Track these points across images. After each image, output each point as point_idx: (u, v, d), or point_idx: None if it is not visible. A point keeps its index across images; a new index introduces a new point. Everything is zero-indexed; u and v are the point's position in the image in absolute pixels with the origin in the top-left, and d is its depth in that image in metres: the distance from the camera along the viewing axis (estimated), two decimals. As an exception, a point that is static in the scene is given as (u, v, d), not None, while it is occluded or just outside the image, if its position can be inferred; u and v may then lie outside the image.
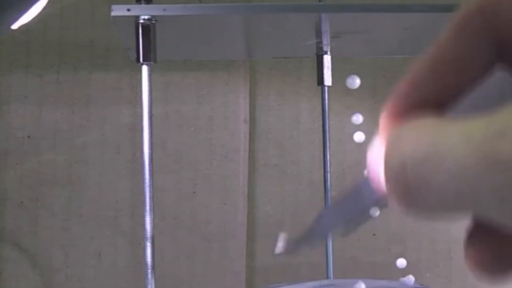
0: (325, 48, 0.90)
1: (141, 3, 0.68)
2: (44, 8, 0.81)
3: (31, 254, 1.09)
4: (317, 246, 0.88)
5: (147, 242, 0.68)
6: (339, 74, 0.93)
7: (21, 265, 1.10)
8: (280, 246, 0.26)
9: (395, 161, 0.19)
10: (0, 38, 0.99)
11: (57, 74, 1.11)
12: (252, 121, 1.14)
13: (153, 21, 0.69)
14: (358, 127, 0.67)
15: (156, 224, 0.69)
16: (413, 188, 0.18)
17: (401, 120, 0.20)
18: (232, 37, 0.83)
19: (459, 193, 0.17)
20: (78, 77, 1.11)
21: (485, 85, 0.20)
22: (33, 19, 0.81)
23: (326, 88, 0.95)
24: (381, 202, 0.21)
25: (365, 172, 0.21)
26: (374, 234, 1.13)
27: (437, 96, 0.20)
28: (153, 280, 0.68)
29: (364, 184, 0.22)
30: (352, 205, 0.23)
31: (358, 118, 0.60)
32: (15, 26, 0.81)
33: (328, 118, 0.95)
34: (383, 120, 0.21)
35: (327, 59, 0.93)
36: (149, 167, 0.69)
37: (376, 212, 0.22)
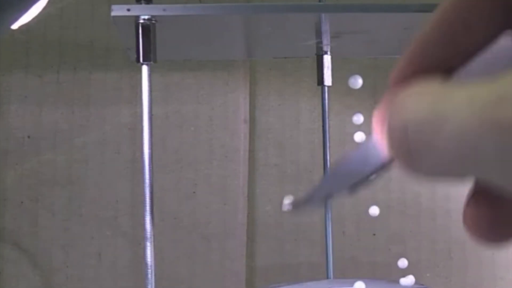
0: (325, 48, 0.90)
1: (141, 3, 0.68)
2: (44, 8, 0.81)
3: (31, 254, 1.09)
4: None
5: (147, 242, 0.68)
6: (339, 74, 0.93)
7: (21, 265, 1.10)
8: (286, 204, 0.26)
9: (397, 124, 0.19)
10: (0, 38, 0.99)
11: (57, 74, 1.11)
12: (252, 121, 1.14)
13: (153, 21, 0.69)
14: (358, 127, 0.67)
15: (156, 224, 0.69)
16: (415, 151, 0.19)
17: (407, 84, 0.20)
18: (232, 37, 0.83)
19: (460, 156, 0.17)
20: (78, 77, 1.11)
21: (491, 51, 0.19)
22: (33, 19, 0.81)
23: (326, 88, 0.95)
24: (385, 164, 0.21)
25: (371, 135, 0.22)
26: (374, 234, 1.13)
27: (444, 61, 0.20)
28: (153, 280, 0.68)
29: (369, 146, 0.22)
30: (357, 166, 0.23)
31: (358, 118, 0.60)
32: (15, 26, 0.81)
33: (328, 118, 0.95)
34: (389, 83, 0.21)
35: (327, 59, 0.93)
36: (149, 167, 0.69)
37: (380, 173, 0.22)
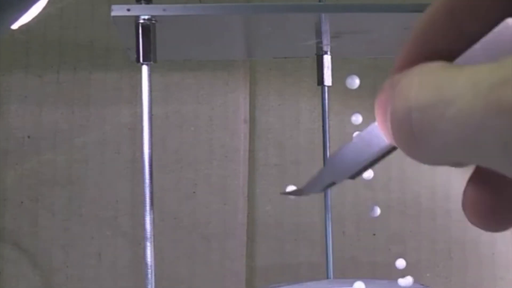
0: (325, 48, 0.90)
1: (141, 3, 0.68)
2: (44, 8, 0.81)
3: (31, 254, 1.09)
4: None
5: (147, 242, 0.68)
6: (339, 74, 0.93)
7: (21, 265, 1.10)
8: (288, 191, 0.26)
9: (401, 108, 0.19)
10: (0, 38, 0.99)
11: (57, 74, 1.11)
12: (252, 121, 1.14)
13: (153, 21, 0.69)
14: (358, 127, 0.67)
15: (156, 224, 0.69)
16: (419, 135, 0.18)
17: (410, 69, 0.20)
18: (232, 37, 0.83)
19: (463, 139, 0.17)
20: (78, 77, 1.11)
21: (493, 36, 0.19)
22: (33, 19, 0.81)
23: (326, 88, 0.95)
24: (386, 151, 0.21)
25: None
26: (374, 234, 1.13)
27: (446, 46, 0.20)
28: (153, 280, 0.68)
29: (370, 132, 0.22)
30: (358, 153, 0.23)
31: (357, 118, 0.60)
32: (15, 26, 0.81)
33: (328, 118, 0.95)
34: (393, 69, 0.21)
35: (327, 59, 0.93)
36: (149, 167, 0.69)
37: (381, 159, 0.22)
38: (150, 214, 0.68)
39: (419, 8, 0.68)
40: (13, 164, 1.09)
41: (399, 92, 0.19)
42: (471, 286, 1.14)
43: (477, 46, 0.20)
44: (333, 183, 0.24)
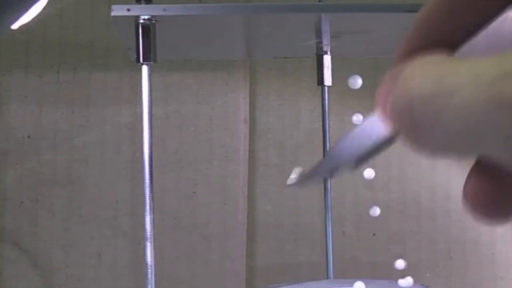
0: (325, 48, 0.90)
1: (141, 3, 0.68)
2: (44, 8, 0.81)
3: (31, 254, 1.09)
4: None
5: (147, 242, 0.68)
6: (339, 74, 0.93)
7: (21, 265, 1.10)
8: (292, 178, 0.26)
9: (403, 99, 0.19)
10: (0, 38, 0.99)
11: (57, 74, 1.11)
12: (252, 121, 1.14)
13: (153, 21, 0.69)
14: (358, 127, 0.67)
15: (156, 224, 0.69)
16: (419, 126, 0.18)
17: (411, 59, 0.20)
18: (232, 37, 0.83)
19: (466, 131, 0.17)
20: (78, 77, 1.11)
21: (495, 26, 0.19)
22: (33, 19, 0.81)
23: (326, 88, 0.95)
24: (388, 140, 0.21)
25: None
26: (374, 234, 1.13)
27: (448, 36, 0.20)
28: (153, 280, 0.68)
29: (372, 121, 0.22)
30: (360, 142, 0.23)
31: (359, 118, 0.60)
32: (15, 26, 0.81)
33: (328, 118, 0.95)
34: (395, 58, 0.21)
35: (327, 59, 0.93)
36: (149, 167, 0.69)
37: (384, 149, 0.22)
38: (150, 214, 0.68)
39: (419, 9, 0.68)
40: (13, 164, 1.09)
41: (400, 83, 0.19)
42: (471, 286, 1.14)
43: (478, 37, 0.19)
44: (333, 173, 0.24)
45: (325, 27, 0.77)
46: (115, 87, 1.11)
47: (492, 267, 1.14)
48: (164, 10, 0.67)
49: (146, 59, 0.69)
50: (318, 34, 0.80)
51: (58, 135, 1.10)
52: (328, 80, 0.93)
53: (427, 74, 0.18)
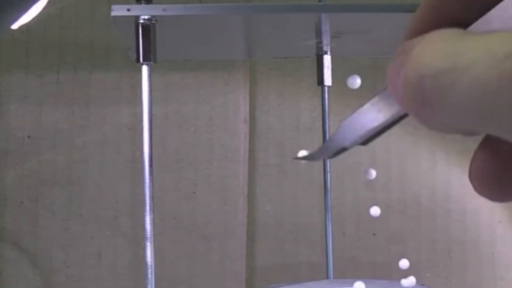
0: (325, 48, 0.90)
1: (141, 3, 0.68)
2: (44, 8, 0.81)
3: (31, 254, 1.09)
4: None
5: (147, 242, 0.68)
6: (339, 74, 0.93)
7: (21, 265, 1.10)
8: (300, 156, 0.26)
9: (413, 75, 0.19)
10: (0, 38, 0.99)
11: (57, 74, 1.11)
12: (252, 121, 1.14)
13: (153, 21, 0.69)
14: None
15: (156, 224, 0.69)
16: (430, 102, 0.18)
17: (423, 36, 0.20)
18: (232, 37, 0.83)
19: (475, 108, 0.17)
20: (78, 77, 1.11)
21: (508, 2, 0.19)
22: (33, 19, 0.81)
23: (326, 88, 0.95)
24: (398, 117, 0.21)
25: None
26: (374, 234, 1.13)
27: (460, 13, 0.20)
28: (153, 280, 0.68)
29: (383, 96, 0.22)
30: (370, 119, 0.22)
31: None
32: (15, 26, 0.81)
33: (328, 118, 0.95)
34: (406, 35, 0.21)
35: (327, 59, 0.93)
36: (149, 167, 0.69)
37: (393, 126, 0.22)
38: (150, 214, 0.68)
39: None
40: (13, 164, 1.09)
41: (411, 59, 0.19)
42: (471, 286, 1.14)
43: (492, 12, 0.19)
44: (344, 149, 0.24)
45: (325, 27, 0.77)
46: (115, 87, 1.11)
47: (492, 267, 1.14)
48: (164, 10, 0.67)
49: (146, 59, 0.69)
50: (318, 34, 0.80)
51: (58, 135, 1.10)
52: (328, 80, 0.93)
53: (439, 49, 0.18)
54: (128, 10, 0.67)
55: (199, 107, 1.12)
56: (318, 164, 1.03)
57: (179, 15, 0.69)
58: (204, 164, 1.12)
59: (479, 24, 0.19)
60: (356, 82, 0.67)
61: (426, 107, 0.18)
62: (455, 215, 1.13)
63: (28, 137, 1.10)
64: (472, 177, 0.20)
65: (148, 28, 0.69)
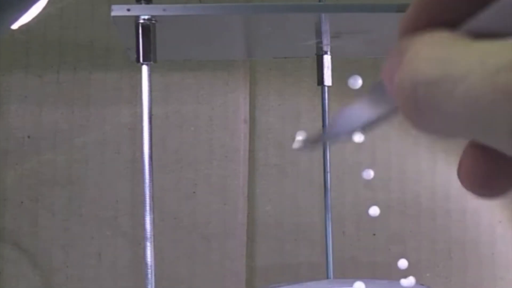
0: (325, 48, 0.90)
1: (141, 3, 0.68)
2: (44, 8, 0.81)
3: (31, 254, 1.09)
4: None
5: (147, 242, 0.68)
6: (339, 74, 0.93)
7: (21, 265, 1.10)
8: (297, 141, 0.26)
9: (406, 81, 0.18)
10: (0, 38, 0.99)
11: (57, 74, 1.11)
12: (252, 121, 1.14)
13: (153, 21, 0.69)
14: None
15: (156, 224, 0.69)
16: (422, 110, 0.18)
17: (417, 35, 0.19)
18: (232, 37, 0.83)
19: (470, 120, 0.17)
20: (78, 77, 1.11)
21: (498, 5, 0.18)
22: (33, 19, 0.81)
23: (326, 88, 0.95)
24: (396, 109, 0.21)
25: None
26: (374, 234, 1.13)
27: (454, 10, 0.20)
28: (153, 280, 0.68)
29: (380, 89, 0.21)
30: (368, 108, 0.22)
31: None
32: (15, 26, 0.81)
33: (328, 118, 0.95)
34: (400, 28, 0.20)
35: (327, 59, 0.93)
36: (149, 167, 0.69)
37: (391, 116, 0.22)
38: (150, 214, 0.68)
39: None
40: (13, 164, 1.09)
41: (405, 64, 0.19)
42: (471, 286, 1.14)
43: (484, 13, 0.19)
44: (341, 136, 0.24)
45: (325, 27, 0.77)
46: (115, 87, 1.11)
47: (492, 267, 1.14)
48: (164, 10, 0.67)
49: (146, 59, 0.69)
50: (318, 34, 0.80)
51: (58, 135, 1.10)
52: (328, 80, 0.93)
53: (433, 57, 0.18)
54: (128, 10, 0.67)
55: (199, 107, 1.12)
56: (318, 164, 1.03)
57: (179, 15, 0.69)
58: (204, 164, 1.12)
59: (471, 24, 0.19)
60: (357, 82, 0.67)
61: (420, 114, 0.18)
62: (455, 215, 1.13)
63: (28, 137, 1.10)
64: (461, 175, 0.20)
65: (148, 28, 0.69)
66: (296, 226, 1.13)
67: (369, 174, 0.69)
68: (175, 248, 1.10)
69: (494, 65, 0.16)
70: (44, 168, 1.10)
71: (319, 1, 0.96)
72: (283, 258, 1.13)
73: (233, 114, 1.12)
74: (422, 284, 0.80)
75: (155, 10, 0.68)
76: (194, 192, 1.11)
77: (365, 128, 0.23)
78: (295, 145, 0.26)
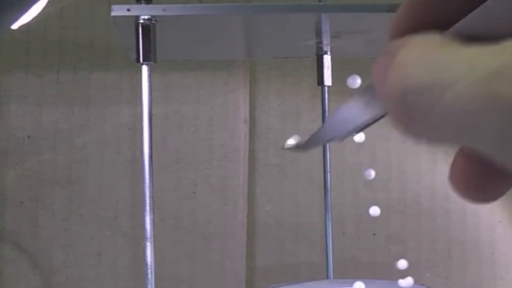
0: (325, 48, 0.90)
1: (141, 3, 0.68)
2: (44, 8, 0.81)
3: (31, 254, 1.09)
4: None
5: (147, 242, 0.68)
6: (339, 74, 0.93)
7: (21, 265, 1.10)
8: (290, 142, 0.26)
9: (396, 85, 0.18)
10: (0, 38, 0.99)
11: (57, 74, 1.11)
12: (252, 121, 1.14)
13: (153, 21, 0.69)
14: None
15: (156, 224, 0.69)
16: (412, 116, 0.18)
17: (407, 38, 0.19)
18: (232, 37, 0.83)
19: (459, 126, 0.17)
20: (78, 77, 1.11)
21: (494, 2, 0.18)
22: (33, 19, 0.81)
23: (326, 88, 0.95)
24: (386, 112, 0.21)
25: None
26: (374, 234, 1.13)
27: (444, 11, 0.19)
28: (153, 280, 0.68)
29: (371, 92, 0.21)
30: (359, 111, 0.22)
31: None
32: (15, 26, 0.81)
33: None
34: (390, 29, 0.20)
35: (327, 59, 0.93)
36: (149, 167, 0.69)
37: (381, 119, 0.22)
38: (150, 214, 0.68)
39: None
40: (13, 164, 1.09)
41: (395, 69, 0.19)
42: (471, 286, 1.14)
43: (473, 15, 0.18)
44: (333, 138, 0.24)
45: (325, 27, 0.77)
46: (115, 87, 1.11)
47: (492, 267, 1.14)
48: (164, 10, 0.67)
49: (146, 59, 0.69)
50: (318, 34, 0.80)
51: (58, 135, 1.10)
52: (328, 80, 0.93)
53: (422, 62, 0.18)
54: (128, 10, 0.67)
55: (199, 107, 1.12)
56: (318, 164, 1.03)
57: (179, 15, 0.69)
58: (204, 164, 1.12)
59: (461, 25, 0.19)
60: (356, 82, 0.67)
61: (409, 119, 0.18)
62: (455, 215, 1.13)
63: (28, 137, 1.10)
64: (452, 180, 0.20)
65: (148, 28, 0.69)
66: (296, 226, 1.13)
67: (370, 174, 0.69)
68: (175, 248, 1.10)
69: (484, 71, 0.16)
70: (44, 168, 1.10)
71: (319, 1, 0.96)
72: (283, 258, 1.13)
73: (233, 114, 1.12)
74: (422, 284, 0.80)
75: (155, 10, 0.68)
76: (194, 192, 1.11)
77: (358, 130, 0.23)
78: (286, 146, 0.26)
